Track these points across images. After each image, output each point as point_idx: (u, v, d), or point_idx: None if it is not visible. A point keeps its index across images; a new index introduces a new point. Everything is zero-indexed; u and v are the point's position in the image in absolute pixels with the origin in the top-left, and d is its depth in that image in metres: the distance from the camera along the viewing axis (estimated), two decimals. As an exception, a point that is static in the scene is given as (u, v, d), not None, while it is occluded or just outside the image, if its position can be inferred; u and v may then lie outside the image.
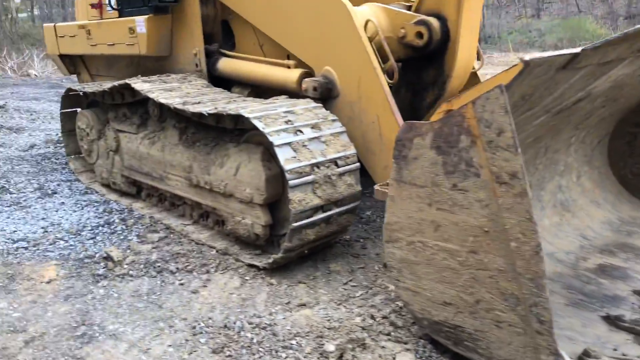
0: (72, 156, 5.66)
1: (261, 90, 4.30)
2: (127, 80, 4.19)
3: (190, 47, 4.57)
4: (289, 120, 3.24)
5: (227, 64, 4.37)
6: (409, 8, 3.83)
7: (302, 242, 3.17)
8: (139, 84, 4.13)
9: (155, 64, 5.04)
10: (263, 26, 4.07)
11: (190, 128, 3.98)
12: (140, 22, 4.61)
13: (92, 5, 5.20)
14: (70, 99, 5.40)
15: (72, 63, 6.40)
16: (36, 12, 30.12)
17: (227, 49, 4.52)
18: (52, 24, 6.19)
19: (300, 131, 3.22)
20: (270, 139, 3.07)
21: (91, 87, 4.86)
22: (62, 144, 6.44)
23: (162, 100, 3.79)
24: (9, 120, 8.38)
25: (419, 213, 2.27)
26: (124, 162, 4.70)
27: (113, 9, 4.95)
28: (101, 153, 5.02)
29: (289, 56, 4.04)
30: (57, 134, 7.46)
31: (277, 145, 3.04)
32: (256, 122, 3.13)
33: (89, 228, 4.15)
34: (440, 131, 2.12)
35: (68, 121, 5.54)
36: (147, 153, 4.31)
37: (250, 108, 3.32)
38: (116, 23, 4.94)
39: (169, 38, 4.72)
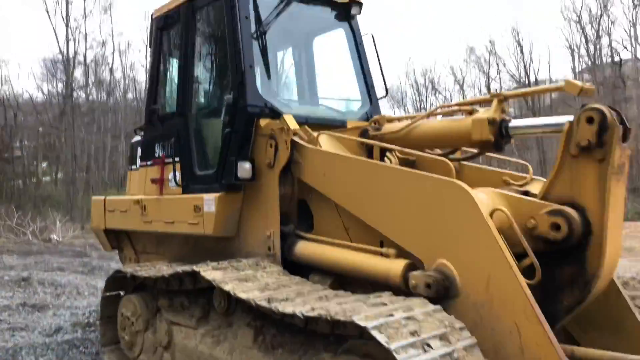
0: (108, 347, 4.90)
1: (345, 280, 3.71)
2: (195, 268, 3.63)
3: (263, 228, 4.10)
4: (414, 332, 2.58)
5: (306, 249, 3.84)
6: (523, 194, 3.39)
7: None
8: (209, 272, 3.56)
9: (216, 245, 4.54)
10: (354, 208, 3.61)
11: (269, 329, 3.31)
12: (209, 200, 4.20)
13: (153, 181, 4.88)
14: (116, 281, 4.81)
15: (115, 238, 5.96)
16: (60, 175, 31.25)
17: (303, 231, 4.03)
18: (102, 197, 5.87)
19: (429, 345, 2.55)
20: (398, 357, 2.38)
21: (146, 270, 4.30)
22: (92, 329, 5.72)
23: (242, 296, 3.17)
24: (32, 297, 7.75)
25: None
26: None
27: (177, 185, 4.60)
28: (146, 348, 4.29)
29: (382, 242, 3.52)
30: (84, 314, 6.76)
31: (408, 367, 2.35)
32: (377, 335, 2.47)
33: None
34: None
35: (109, 306, 4.90)
36: (210, 355, 3.59)
37: (362, 313, 2.68)
38: (179, 200, 4.56)
39: (237, 218, 4.28)
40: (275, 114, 4.19)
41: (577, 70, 32.75)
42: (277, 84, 5.54)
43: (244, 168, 4.03)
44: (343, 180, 3.66)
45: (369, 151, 4.12)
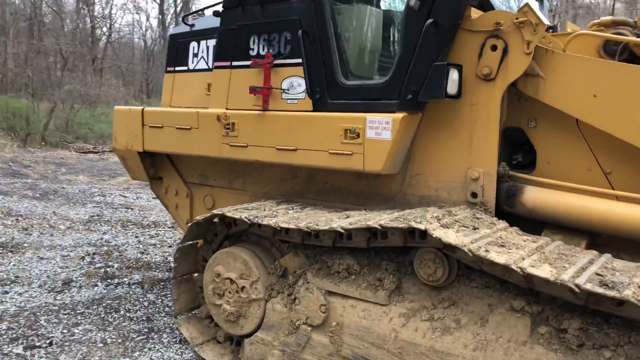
0: (184, 316, 3.59)
1: (598, 242, 2.74)
2: (415, 224, 2.42)
3: (460, 166, 2.93)
4: None
5: (547, 198, 2.76)
6: None
7: None
8: (442, 232, 2.38)
9: (351, 183, 3.32)
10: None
11: (562, 318, 2.26)
12: (381, 124, 2.91)
13: (254, 90, 3.42)
14: (198, 227, 3.43)
15: (154, 164, 4.44)
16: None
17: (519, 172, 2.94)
18: (138, 108, 4.25)
19: None
20: None
21: (287, 217, 2.97)
22: (116, 281, 4.35)
23: (539, 274, 2.07)
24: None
25: None
26: (340, 347, 2.80)
27: (311, 96, 3.21)
28: (273, 323, 3.07)
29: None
30: (83, 258, 5.23)
31: None
32: None
33: None
34: None
35: (186, 260, 3.54)
36: (431, 348, 2.48)
37: None
38: (312, 120, 3.20)
39: (407, 149, 3.05)
40: (486, 4, 2.93)
41: None
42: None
43: (453, 79, 2.78)
44: (629, 103, 2.56)
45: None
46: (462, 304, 2.52)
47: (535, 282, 2.21)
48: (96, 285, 4.53)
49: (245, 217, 3.04)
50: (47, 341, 3.47)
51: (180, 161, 4.33)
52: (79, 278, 4.66)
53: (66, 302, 4.13)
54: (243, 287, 3.20)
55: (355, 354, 2.74)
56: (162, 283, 4.71)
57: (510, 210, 2.85)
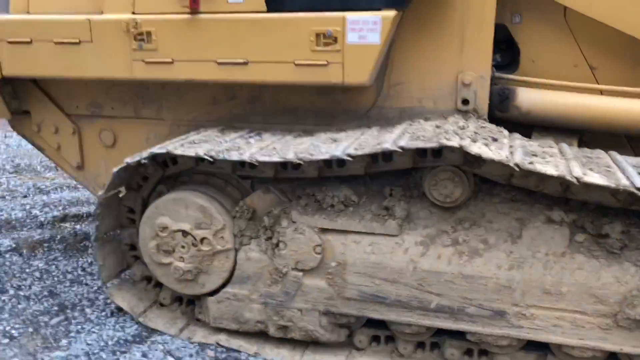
0: (112, 282, 2.86)
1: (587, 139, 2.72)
2: (447, 142, 2.07)
3: (447, 70, 2.61)
4: None
5: (541, 99, 2.59)
6: None
7: None
8: (476, 148, 2.07)
9: (312, 100, 2.83)
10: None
11: (600, 223, 2.17)
12: (364, 24, 2.42)
13: (179, -13, 2.61)
14: (126, 172, 2.67)
15: (15, 94, 3.35)
16: None
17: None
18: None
19: None
20: None
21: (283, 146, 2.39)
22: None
23: (599, 181, 1.92)
24: None
25: None
26: (342, 289, 2.44)
27: (264, -5, 2.54)
28: (248, 275, 2.57)
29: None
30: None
31: None
32: None
33: None
34: None
35: (109, 215, 2.77)
36: (459, 274, 2.25)
37: None
38: (267, 24, 2.55)
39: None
40: None
41: None
42: None
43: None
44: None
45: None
46: (484, 222, 2.31)
47: (588, 190, 2.06)
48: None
49: (206, 154, 2.39)
50: None
51: (57, 88, 3.32)
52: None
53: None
54: (203, 239, 2.60)
55: (363, 293, 2.41)
56: (44, 245, 3.76)
57: (501, 115, 2.65)
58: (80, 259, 3.60)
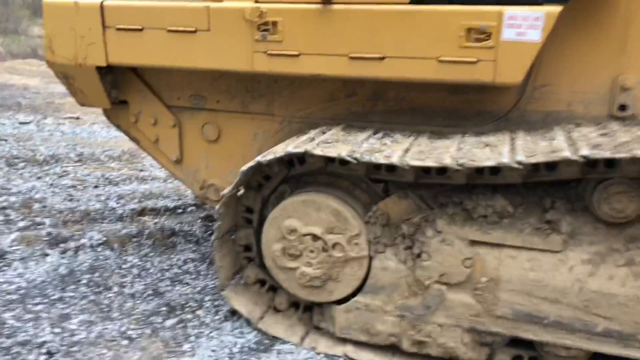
0: (228, 287, 2.72)
1: None
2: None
3: (604, 72, 2.41)
4: None
5: None
6: None
7: None
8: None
9: (431, 99, 2.65)
10: None
11: None
12: (525, 20, 2.23)
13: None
14: (255, 170, 2.51)
15: (115, 83, 3.21)
16: None
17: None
18: (77, 1, 2.92)
19: None
20: None
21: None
22: (73, 244, 3.31)
23: None
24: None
25: None
26: (493, 306, 2.28)
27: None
28: (383, 284, 2.42)
29: None
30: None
31: None
32: None
33: None
34: None
35: (228, 214, 2.63)
36: (635, 296, 2.07)
37: None
38: (413, 15, 2.37)
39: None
40: None
41: None
42: None
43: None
44: None
45: None
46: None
47: None
48: (46, 254, 3.33)
49: (349, 155, 2.23)
50: (44, 350, 2.40)
51: (157, 78, 3.19)
52: (15, 247, 3.38)
53: (21, 285, 2.95)
54: (335, 244, 2.44)
55: (517, 312, 2.24)
56: (133, 240, 3.64)
57: (659, 123, 2.45)
58: (172, 255, 3.48)
